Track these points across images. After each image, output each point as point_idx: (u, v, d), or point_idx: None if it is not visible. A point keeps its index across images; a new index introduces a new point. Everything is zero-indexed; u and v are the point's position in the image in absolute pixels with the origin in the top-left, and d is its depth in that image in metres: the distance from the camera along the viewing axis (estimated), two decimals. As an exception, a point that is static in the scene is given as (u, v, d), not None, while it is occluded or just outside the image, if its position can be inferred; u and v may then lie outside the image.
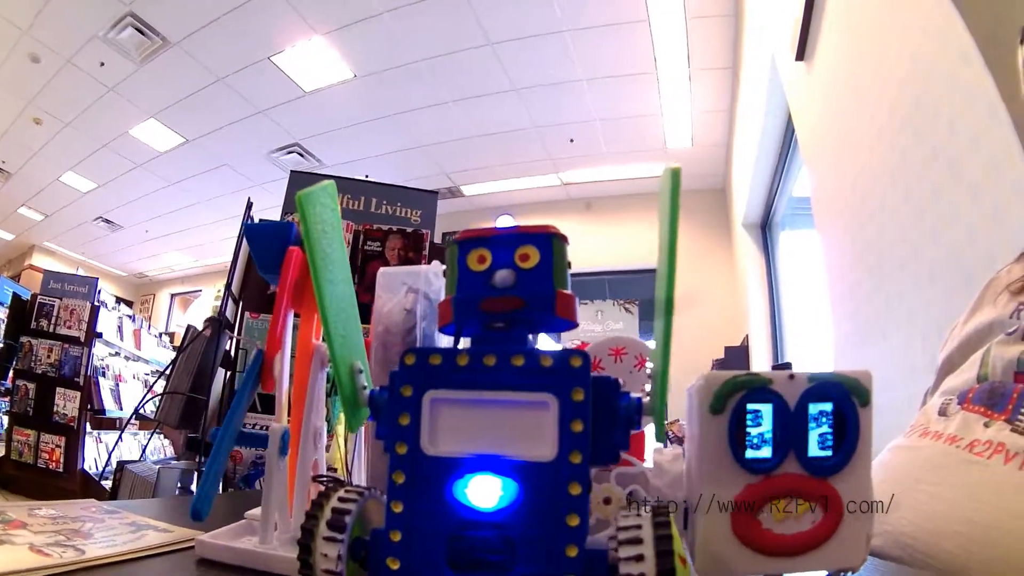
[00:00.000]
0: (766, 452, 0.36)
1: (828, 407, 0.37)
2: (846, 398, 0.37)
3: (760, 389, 0.36)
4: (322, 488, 0.57)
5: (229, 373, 1.99)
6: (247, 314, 2.02)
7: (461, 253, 0.34)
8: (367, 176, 2.75)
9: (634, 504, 0.30)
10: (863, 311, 1.99)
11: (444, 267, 0.63)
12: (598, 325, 4.88)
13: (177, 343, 4.40)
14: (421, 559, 0.28)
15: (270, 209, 2.75)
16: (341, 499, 0.30)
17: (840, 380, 0.37)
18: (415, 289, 0.57)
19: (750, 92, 3.48)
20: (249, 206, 2.13)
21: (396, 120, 4.52)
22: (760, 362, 4.26)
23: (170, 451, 3.86)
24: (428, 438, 0.30)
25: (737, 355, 4.54)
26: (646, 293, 5.12)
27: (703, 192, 5.42)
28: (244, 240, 2.10)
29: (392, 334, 0.54)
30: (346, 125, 4.60)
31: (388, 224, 1.99)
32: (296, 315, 0.52)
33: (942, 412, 0.73)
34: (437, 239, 2.14)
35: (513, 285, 0.33)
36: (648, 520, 0.28)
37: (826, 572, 0.36)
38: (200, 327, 2.41)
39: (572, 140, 4.83)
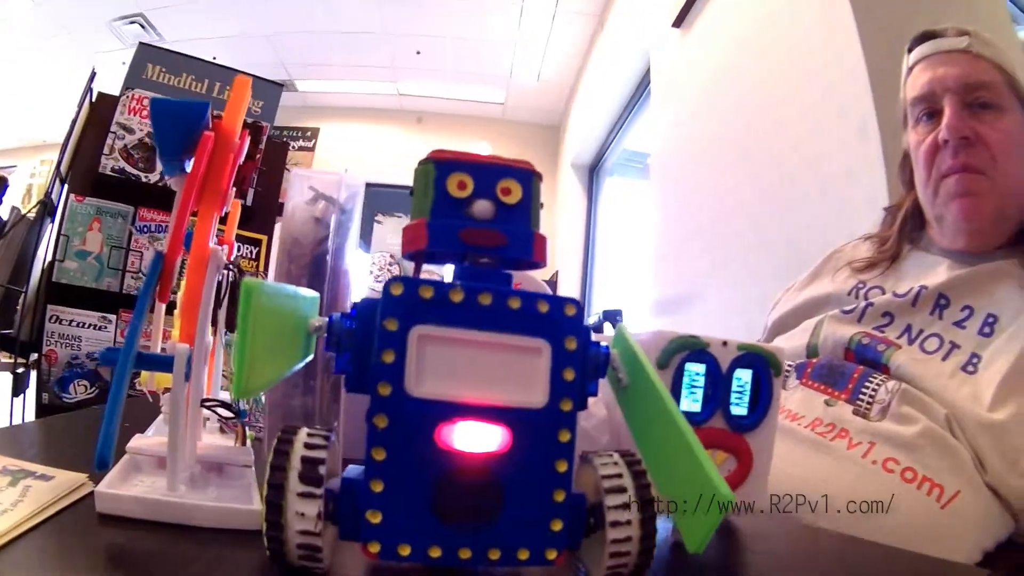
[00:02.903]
0: (698, 407, 0.39)
1: (749, 373, 0.40)
2: (765, 367, 0.40)
3: (700, 351, 0.39)
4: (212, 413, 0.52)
5: (48, 262, 1.72)
6: (72, 196, 1.76)
7: (439, 174, 0.31)
8: (215, 58, 2.44)
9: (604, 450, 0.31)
10: (686, 269, 2.16)
11: (346, 177, 0.58)
12: (407, 238, 4.87)
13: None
14: (404, 510, 0.26)
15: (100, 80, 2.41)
16: (308, 445, 0.27)
17: (762, 352, 0.40)
18: (328, 196, 0.52)
19: (611, 42, 3.55)
20: (92, 76, 1.87)
21: (247, 2, 4.06)
22: (569, 301, 4.48)
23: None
24: (414, 378, 0.27)
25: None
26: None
27: (538, 126, 5.51)
28: (79, 116, 1.83)
29: (301, 244, 0.50)
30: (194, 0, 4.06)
31: (229, 111, 1.81)
32: (192, 213, 0.45)
33: None
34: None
35: (493, 218, 0.31)
36: (626, 469, 0.30)
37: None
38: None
39: (419, 52, 4.65)
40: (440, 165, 0.31)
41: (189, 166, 0.43)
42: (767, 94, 1.68)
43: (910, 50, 0.86)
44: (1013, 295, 0.73)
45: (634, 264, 3.13)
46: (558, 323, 0.29)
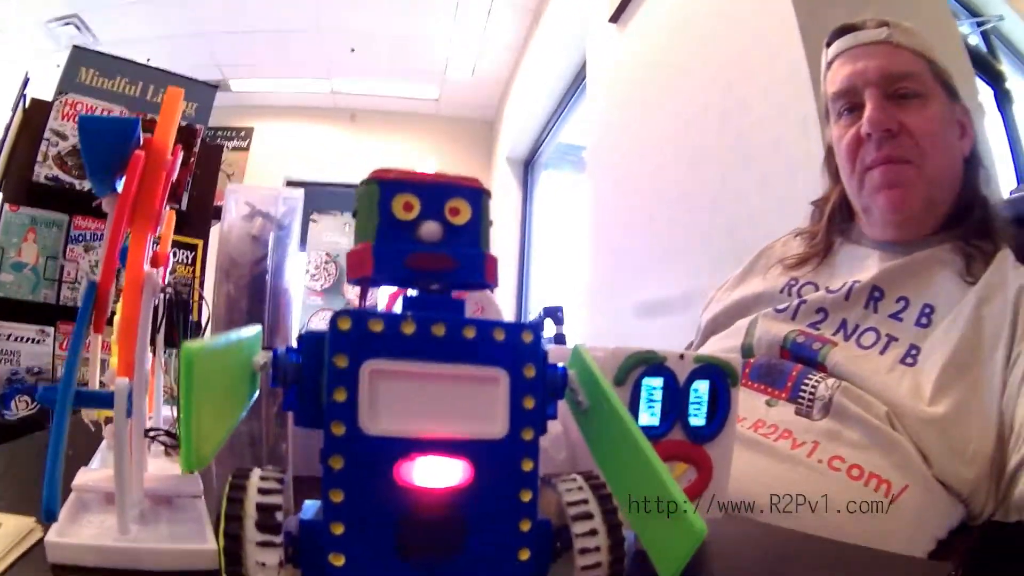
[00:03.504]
0: (656, 420, 0.39)
1: (707, 384, 0.40)
2: (722, 378, 0.40)
3: (657, 366, 0.39)
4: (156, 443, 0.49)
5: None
6: (7, 206, 1.69)
7: (384, 195, 0.29)
8: (148, 60, 2.36)
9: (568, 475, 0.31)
10: (625, 263, 2.17)
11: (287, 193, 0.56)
12: (344, 238, 4.81)
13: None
14: (368, 550, 0.25)
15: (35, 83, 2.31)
16: (263, 490, 0.25)
17: (718, 363, 0.40)
18: (264, 213, 0.50)
19: (547, 36, 3.56)
20: (26, 81, 1.83)
21: (181, 1, 3.91)
22: (505, 296, 4.50)
23: None
24: (368, 415, 0.26)
25: (478, 285, 4.73)
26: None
27: (472, 121, 5.49)
28: (12, 122, 1.76)
29: (238, 265, 0.48)
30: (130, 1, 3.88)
31: (162, 114, 1.77)
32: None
33: None
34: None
35: (440, 241, 0.30)
36: (591, 494, 0.29)
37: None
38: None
39: (353, 50, 4.58)
40: (384, 185, 0.30)
41: (120, 185, 0.41)
42: (707, 89, 1.70)
43: (829, 44, 0.85)
44: (948, 283, 0.74)
45: (571, 258, 3.12)
46: (515, 351, 0.29)
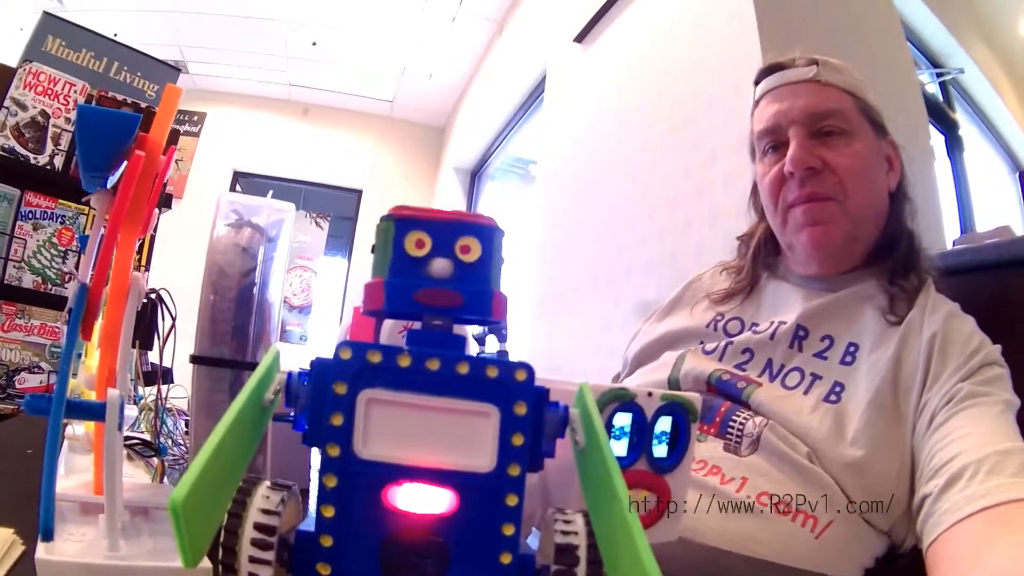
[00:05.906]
0: (624, 452, 0.41)
1: (669, 420, 0.43)
2: (684, 414, 0.43)
3: (629, 402, 0.41)
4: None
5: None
6: None
7: (398, 232, 0.31)
8: (116, 35, 2.27)
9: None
10: (567, 280, 2.19)
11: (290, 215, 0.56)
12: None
13: None
14: (353, 564, 0.27)
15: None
16: (265, 511, 0.27)
17: (681, 400, 0.43)
18: (254, 225, 0.51)
19: (509, 49, 3.58)
20: None
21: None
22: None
23: None
24: (362, 440, 0.28)
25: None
26: (340, 210, 5.00)
27: (423, 127, 5.49)
28: None
29: (227, 276, 0.48)
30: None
31: (123, 94, 1.75)
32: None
33: None
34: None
35: (450, 278, 0.32)
36: (583, 529, 0.30)
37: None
38: None
39: (315, 43, 4.53)
40: (399, 223, 0.31)
41: (112, 182, 0.41)
42: (665, 119, 1.73)
43: (757, 82, 0.85)
44: (871, 321, 0.74)
45: (514, 272, 3.12)
46: (508, 388, 0.30)
